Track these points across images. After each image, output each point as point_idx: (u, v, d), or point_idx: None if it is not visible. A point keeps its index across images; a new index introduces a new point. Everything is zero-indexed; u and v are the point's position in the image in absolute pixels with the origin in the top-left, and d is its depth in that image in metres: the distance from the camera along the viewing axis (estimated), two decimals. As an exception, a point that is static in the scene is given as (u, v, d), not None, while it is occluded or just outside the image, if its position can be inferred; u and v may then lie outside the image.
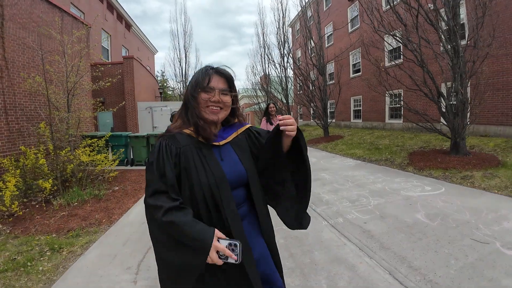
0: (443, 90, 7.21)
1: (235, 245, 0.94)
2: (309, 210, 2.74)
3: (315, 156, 9.39)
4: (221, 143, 1.14)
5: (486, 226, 3.11)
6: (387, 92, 8.26)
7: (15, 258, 2.75)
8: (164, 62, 70.22)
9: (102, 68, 7.30)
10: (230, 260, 0.93)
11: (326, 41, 18.31)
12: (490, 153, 6.48)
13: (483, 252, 2.56)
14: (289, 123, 1.07)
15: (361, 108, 15.24)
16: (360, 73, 14.94)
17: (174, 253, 0.96)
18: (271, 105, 5.35)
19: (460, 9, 6.76)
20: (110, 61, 14.77)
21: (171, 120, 3.46)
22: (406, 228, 3.16)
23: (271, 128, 4.48)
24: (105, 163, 5.71)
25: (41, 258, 2.74)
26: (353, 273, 2.33)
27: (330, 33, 17.86)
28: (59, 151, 4.81)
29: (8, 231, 3.47)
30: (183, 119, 1.13)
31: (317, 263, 2.51)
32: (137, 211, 4.17)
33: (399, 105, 11.70)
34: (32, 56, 6.50)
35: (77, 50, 6.10)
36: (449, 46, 6.29)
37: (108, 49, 15.68)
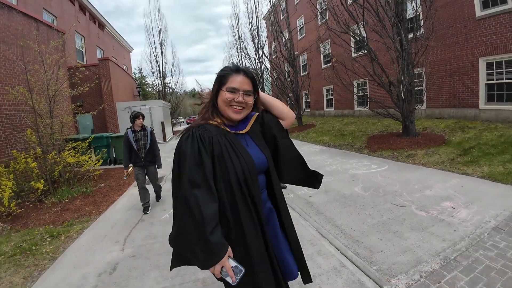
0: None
1: (240, 271, 1.01)
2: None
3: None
4: (243, 131, 1.21)
5: (409, 194, 3.89)
6: (353, 82, 9.06)
7: (21, 245, 3.31)
8: (141, 59, 68.76)
9: (81, 75, 7.64)
10: (227, 279, 1.00)
11: (298, 33, 18.97)
12: (440, 134, 7.29)
13: (397, 213, 3.32)
14: None
15: (332, 97, 16.11)
16: (330, 63, 15.75)
17: (190, 244, 1.04)
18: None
19: (406, 5, 7.56)
20: (85, 63, 14.84)
21: (131, 121, 4.12)
22: (342, 198, 3.94)
23: None
24: (89, 163, 6.22)
25: (43, 243, 3.33)
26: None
27: (301, 26, 18.49)
28: (47, 155, 5.29)
29: (9, 228, 4.00)
30: (210, 112, 1.20)
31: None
32: (123, 202, 4.77)
33: (365, 93, 12.61)
34: (13, 68, 6.84)
35: (55, 59, 6.48)
36: (394, 40, 7.08)
37: (82, 51, 15.68)
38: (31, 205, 4.81)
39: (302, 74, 17.80)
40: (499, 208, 3.17)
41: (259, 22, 18.66)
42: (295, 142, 10.83)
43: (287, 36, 14.43)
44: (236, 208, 1.08)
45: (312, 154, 7.73)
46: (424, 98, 9.21)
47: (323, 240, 2.84)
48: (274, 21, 14.42)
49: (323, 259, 2.48)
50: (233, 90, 1.13)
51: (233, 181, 1.07)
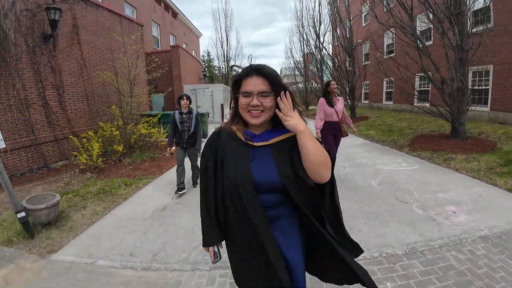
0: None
1: (217, 257, 1.31)
2: None
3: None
4: (257, 144, 1.14)
5: (420, 194, 4.08)
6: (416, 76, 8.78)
7: (103, 188, 4.73)
8: (208, 43, 72.95)
9: (154, 64, 9.15)
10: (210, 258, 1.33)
11: (362, 19, 18.11)
12: (493, 140, 6.76)
13: (395, 207, 3.64)
14: (282, 106, 1.05)
15: (392, 90, 15.34)
16: (393, 54, 14.91)
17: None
18: (333, 82, 4.59)
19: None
20: (160, 48, 17.03)
21: (177, 102, 4.36)
22: (354, 187, 4.42)
23: (330, 111, 4.39)
24: (158, 135, 7.73)
25: (119, 188, 4.72)
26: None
27: (366, 12, 17.62)
28: (126, 126, 6.85)
29: (95, 177, 5.54)
30: (231, 119, 1.23)
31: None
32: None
33: (422, 89, 11.84)
34: (102, 56, 8.67)
35: (135, 49, 8.01)
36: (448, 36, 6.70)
37: (158, 38, 17.93)
38: (112, 163, 6.42)
39: (363, 63, 17.21)
40: (503, 221, 3.18)
41: (321, 8, 18.41)
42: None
43: (348, 24, 14.12)
44: (226, 213, 1.18)
45: (352, 146, 7.96)
46: (489, 99, 8.45)
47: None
48: (334, 10, 14.18)
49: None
50: (247, 94, 1.09)
51: (226, 189, 1.13)
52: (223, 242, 1.32)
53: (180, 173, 4.37)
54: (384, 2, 9.90)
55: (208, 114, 11.97)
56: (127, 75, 7.50)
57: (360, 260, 2.48)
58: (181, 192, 4.32)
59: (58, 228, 3.47)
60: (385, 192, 4.20)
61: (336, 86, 4.52)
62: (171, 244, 2.99)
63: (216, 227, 1.25)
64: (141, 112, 9.12)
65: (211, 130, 10.88)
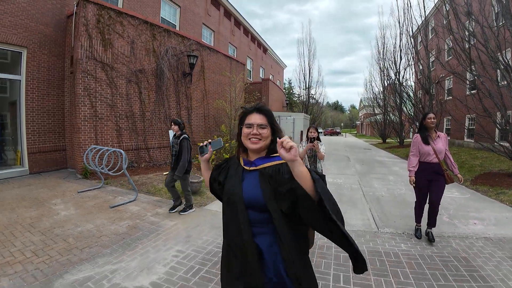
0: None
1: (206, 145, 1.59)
2: (362, 190, 6.00)
3: (400, 167, 11.35)
4: (249, 168, 1.39)
5: (455, 211, 5.11)
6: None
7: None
8: (292, 71, 77.25)
9: (249, 95, 12.00)
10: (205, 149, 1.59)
11: (446, 54, 18.15)
12: None
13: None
14: (282, 145, 1.12)
15: (474, 127, 14.97)
16: (475, 90, 14.70)
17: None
18: (430, 115, 3.68)
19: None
20: (251, 80, 20.52)
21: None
22: (398, 198, 5.81)
23: (426, 150, 3.68)
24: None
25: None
26: (351, 193, 5.45)
27: (448, 48, 17.69)
28: (232, 141, 9.52)
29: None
30: (237, 151, 1.52)
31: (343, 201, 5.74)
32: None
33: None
34: (217, 87, 11.91)
35: (240, 85, 10.92)
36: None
37: (250, 70, 21.56)
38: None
39: (446, 98, 17.11)
40: (513, 232, 4.13)
41: (402, 44, 19.00)
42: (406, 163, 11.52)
43: (427, 63, 14.78)
44: (225, 217, 1.43)
45: None
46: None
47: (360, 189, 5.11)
48: (412, 48, 15.08)
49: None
50: (249, 126, 1.37)
51: (224, 199, 1.42)
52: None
53: (171, 193, 4.87)
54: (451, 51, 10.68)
55: (291, 138, 14.05)
56: (233, 103, 10.35)
57: (394, 235, 4.10)
58: (174, 211, 4.85)
59: (201, 195, 5.95)
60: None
61: (434, 120, 3.66)
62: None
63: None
64: (237, 131, 12.00)
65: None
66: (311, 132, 4.21)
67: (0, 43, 6.99)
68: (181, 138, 4.57)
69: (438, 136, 3.77)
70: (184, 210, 4.84)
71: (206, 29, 16.06)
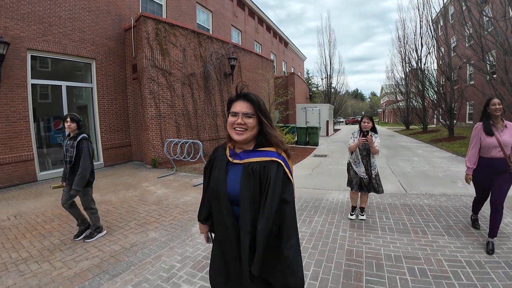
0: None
1: (209, 239, 1.62)
2: (390, 168, 7.22)
3: (424, 150, 12.34)
4: (234, 161, 1.34)
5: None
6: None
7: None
8: (311, 60, 77.15)
9: (280, 90, 13.36)
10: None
11: (466, 41, 18.38)
12: None
13: (447, 183, 6.15)
14: None
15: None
16: (495, 75, 15.13)
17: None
18: (495, 100, 3.03)
19: None
20: (276, 74, 21.81)
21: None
22: (422, 173, 7.02)
23: (489, 142, 3.01)
24: (290, 138, 11.74)
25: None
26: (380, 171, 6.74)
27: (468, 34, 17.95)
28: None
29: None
30: (227, 137, 1.42)
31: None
32: (307, 161, 9.67)
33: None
34: (253, 84, 13.34)
35: (272, 82, 12.29)
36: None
37: (274, 65, 22.79)
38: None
39: (468, 83, 17.46)
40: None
41: (422, 32, 19.27)
42: (433, 149, 12.75)
43: (447, 49, 15.33)
44: (213, 209, 1.41)
45: (437, 157, 9.75)
46: None
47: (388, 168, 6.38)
48: (432, 36, 15.64)
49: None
50: (234, 114, 1.28)
51: (210, 190, 1.40)
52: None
53: (72, 214, 3.48)
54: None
55: (319, 128, 14.40)
56: (267, 98, 11.72)
57: (419, 195, 5.37)
58: (79, 238, 3.53)
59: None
60: (445, 178, 6.61)
61: (500, 106, 2.99)
62: (325, 185, 6.47)
63: (205, 208, 1.56)
64: (276, 125, 13.36)
65: (320, 141, 14.26)
66: (364, 122, 3.68)
67: (72, 56, 8.20)
68: (78, 139, 3.30)
69: (505, 125, 3.05)
70: (90, 236, 3.56)
71: (234, 30, 17.43)
